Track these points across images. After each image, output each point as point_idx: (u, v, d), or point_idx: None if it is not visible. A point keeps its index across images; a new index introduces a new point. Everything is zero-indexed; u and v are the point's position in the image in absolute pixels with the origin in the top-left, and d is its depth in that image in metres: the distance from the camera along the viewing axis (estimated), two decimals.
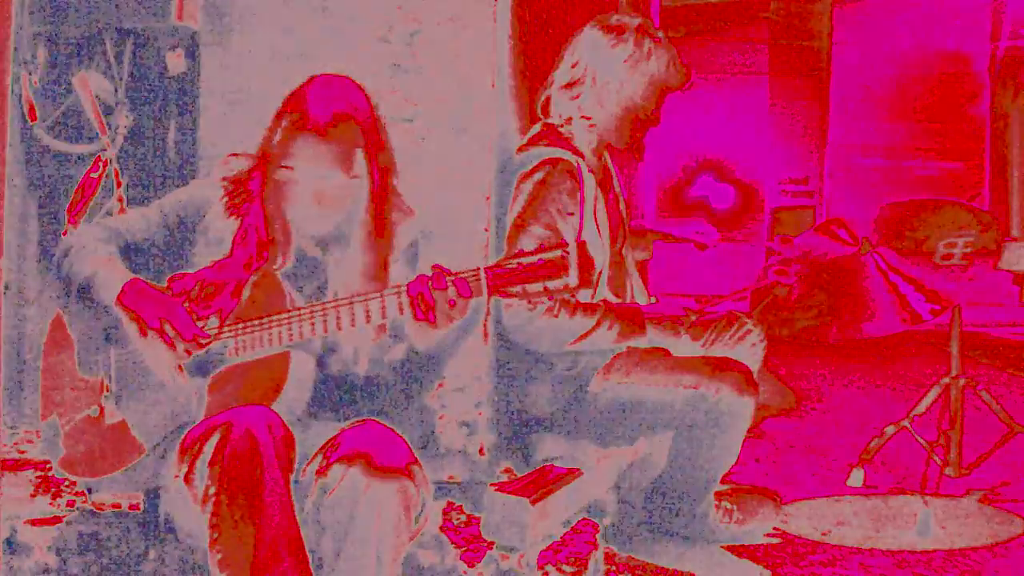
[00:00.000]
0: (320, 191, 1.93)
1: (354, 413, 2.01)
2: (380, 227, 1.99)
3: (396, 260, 2.03)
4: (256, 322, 1.91)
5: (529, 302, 1.80)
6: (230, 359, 1.92)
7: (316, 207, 1.95)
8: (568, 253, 1.75)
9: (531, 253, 1.78)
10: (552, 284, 1.76)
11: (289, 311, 1.89)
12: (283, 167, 1.94)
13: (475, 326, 1.96)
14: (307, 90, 1.95)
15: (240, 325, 1.92)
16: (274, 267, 1.98)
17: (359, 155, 1.95)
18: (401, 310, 1.83)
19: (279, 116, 1.95)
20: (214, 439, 1.76)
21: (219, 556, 1.72)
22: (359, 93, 2.00)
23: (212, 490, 1.74)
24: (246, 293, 1.95)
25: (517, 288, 1.77)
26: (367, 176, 1.96)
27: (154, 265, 2.07)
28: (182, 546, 2.06)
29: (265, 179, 1.98)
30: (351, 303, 1.86)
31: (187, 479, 1.79)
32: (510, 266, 1.78)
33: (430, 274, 1.82)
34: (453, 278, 1.80)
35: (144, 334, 1.92)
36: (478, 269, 1.80)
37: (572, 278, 1.75)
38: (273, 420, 1.79)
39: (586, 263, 1.76)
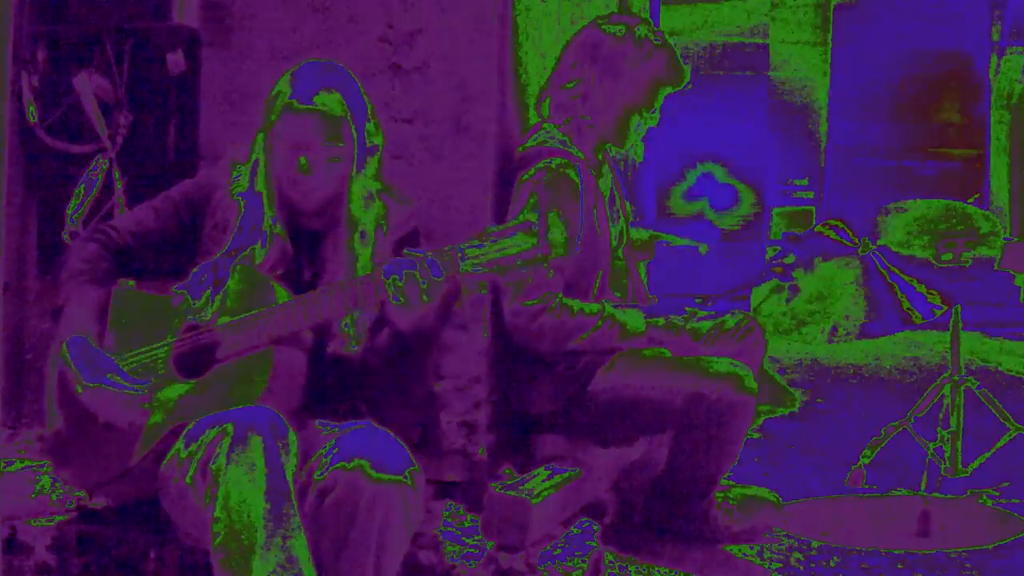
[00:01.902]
0: (306, 161, 1.97)
1: (349, 410, 2.01)
2: (362, 202, 2.01)
3: (390, 248, 2.05)
4: (241, 319, 1.91)
5: (503, 276, 1.80)
6: (219, 357, 1.92)
7: (303, 179, 1.98)
8: (538, 225, 1.77)
9: (502, 227, 1.79)
10: (524, 256, 1.77)
11: (273, 305, 1.90)
12: (272, 143, 1.99)
13: (455, 310, 1.96)
14: (295, 70, 2.01)
15: (227, 323, 1.92)
16: (266, 250, 2.00)
17: (344, 125, 1.98)
18: (377, 295, 1.84)
19: (270, 98, 2.01)
20: (217, 440, 1.76)
21: (222, 557, 1.71)
22: (346, 74, 2.05)
23: (216, 491, 1.74)
24: (231, 289, 1.95)
25: (489, 262, 1.78)
26: (354, 146, 1.99)
27: (167, 255, 2.09)
28: (182, 546, 2.06)
29: (263, 160, 2.03)
30: (333, 292, 1.87)
31: (191, 480, 1.79)
32: (482, 241, 1.79)
33: (403, 258, 1.84)
34: (425, 258, 1.82)
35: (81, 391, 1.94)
36: (451, 247, 1.81)
37: (543, 247, 1.76)
38: (276, 420, 1.79)
39: (558, 235, 1.77)
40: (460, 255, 1.80)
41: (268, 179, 2.02)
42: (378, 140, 2.06)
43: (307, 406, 1.97)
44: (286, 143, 1.98)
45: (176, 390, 1.94)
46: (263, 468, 1.73)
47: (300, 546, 1.73)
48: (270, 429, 1.77)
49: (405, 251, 1.85)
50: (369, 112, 2.04)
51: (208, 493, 1.75)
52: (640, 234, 3.00)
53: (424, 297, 1.83)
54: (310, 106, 1.95)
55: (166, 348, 1.98)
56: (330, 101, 1.96)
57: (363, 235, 2.01)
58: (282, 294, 1.93)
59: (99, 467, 1.98)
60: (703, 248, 2.95)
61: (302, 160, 1.97)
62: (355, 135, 1.99)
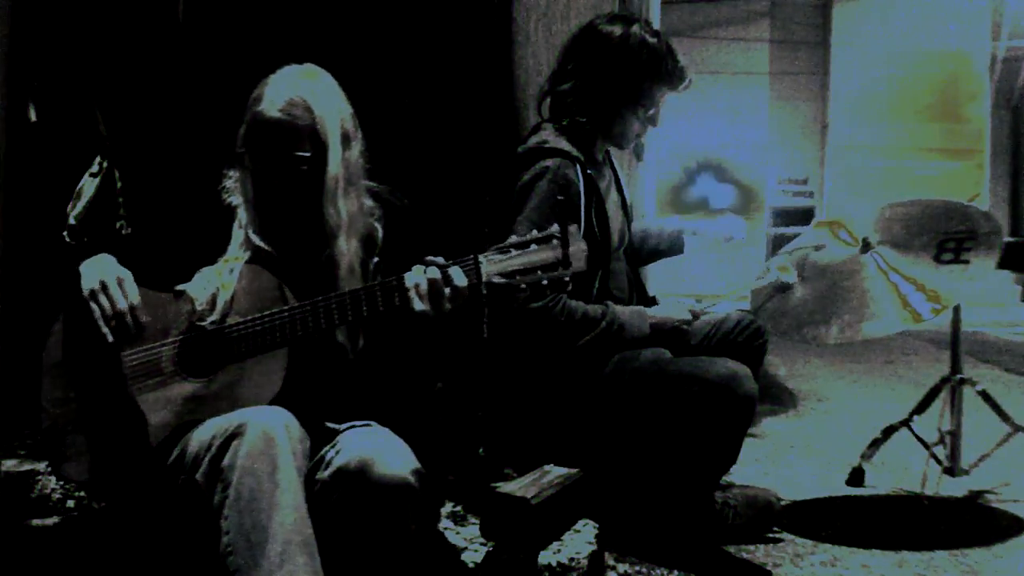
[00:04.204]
0: (275, 169, 1.97)
1: (352, 410, 2.01)
2: (338, 206, 2.01)
3: (386, 249, 2.05)
4: (254, 320, 1.91)
5: (524, 288, 1.81)
6: (230, 357, 1.92)
7: (275, 186, 1.99)
8: (560, 238, 1.77)
9: (524, 239, 1.79)
10: (545, 269, 1.77)
11: (287, 308, 1.90)
12: (245, 150, 2.00)
13: (468, 315, 1.96)
14: (270, 77, 2.02)
15: (239, 323, 1.92)
16: (248, 255, 2.00)
17: (313, 132, 1.97)
18: (398, 301, 1.84)
19: (247, 105, 2.01)
20: (231, 438, 1.76)
21: (231, 555, 1.71)
22: (322, 78, 2.04)
23: (227, 489, 1.74)
24: (239, 289, 1.96)
25: (511, 273, 1.78)
26: (326, 152, 1.98)
27: (170, 262, 2.09)
28: (185, 545, 2.06)
29: (242, 166, 2.04)
30: (349, 297, 1.87)
31: (201, 478, 1.79)
32: (504, 253, 1.79)
33: (425, 266, 1.83)
34: (449, 266, 1.82)
35: (87, 294, 1.95)
36: (473, 257, 1.81)
37: (564, 262, 1.76)
38: (291, 421, 1.80)
39: (579, 249, 1.77)
40: (482, 265, 1.81)
41: (245, 185, 2.03)
42: (357, 143, 2.06)
43: (313, 407, 1.97)
44: (256, 151, 1.99)
45: (183, 389, 1.94)
46: (276, 468, 1.73)
47: (309, 546, 1.73)
48: (284, 429, 1.77)
49: (427, 259, 1.85)
50: (346, 116, 2.04)
51: (219, 491, 1.75)
52: (658, 238, 2.97)
53: (447, 305, 1.84)
54: (276, 116, 1.95)
55: (172, 346, 1.98)
56: (297, 110, 1.96)
57: (349, 238, 2.01)
58: (291, 296, 1.94)
59: (100, 461, 1.97)
60: (728, 240, 2.93)
61: (270, 168, 1.98)
62: (327, 141, 1.98)
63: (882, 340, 7.73)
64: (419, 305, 1.84)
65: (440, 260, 1.84)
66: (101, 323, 1.93)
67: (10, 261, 2.69)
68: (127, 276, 1.96)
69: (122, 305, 1.94)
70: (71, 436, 1.99)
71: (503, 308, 2.53)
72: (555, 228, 1.80)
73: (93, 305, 1.94)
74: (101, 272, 1.96)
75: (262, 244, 2.02)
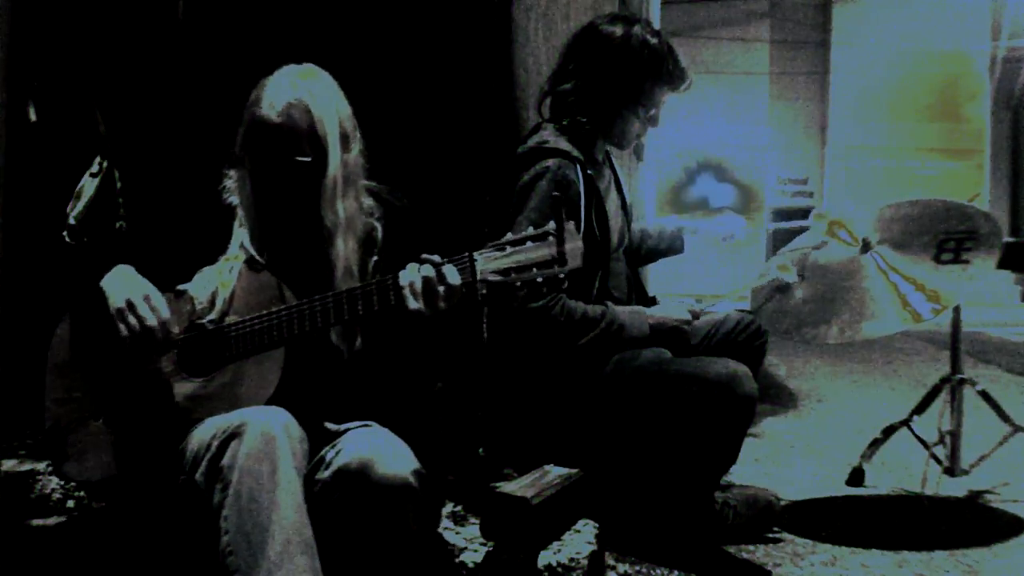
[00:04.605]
0: (274, 172, 1.97)
1: (353, 410, 2.02)
2: (335, 208, 2.00)
3: (386, 249, 2.05)
4: (252, 319, 1.91)
5: (519, 285, 1.80)
6: (229, 357, 1.92)
7: (273, 188, 1.99)
8: (555, 235, 1.76)
9: (519, 236, 1.79)
10: (541, 266, 1.77)
11: (283, 307, 1.90)
12: (244, 153, 1.99)
13: (466, 314, 1.96)
14: (268, 78, 2.01)
15: (237, 322, 1.92)
16: (245, 256, 2.00)
17: (312, 135, 1.96)
18: (393, 300, 1.84)
19: (246, 106, 2.00)
20: (231, 438, 1.76)
21: (230, 556, 1.72)
22: (321, 79, 2.03)
23: (227, 489, 1.74)
24: (238, 288, 1.96)
25: (506, 271, 1.78)
26: (325, 154, 1.98)
27: (171, 261, 2.09)
28: (182, 546, 2.06)
29: (242, 168, 2.04)
30: (346, 296, 1.86)
31: (201, 477, 1.79)
32: (499, 250, 1.79)
33: (420, 264, 1.83)
34: (443, 264, 1.82)
35: (114, 312, 1.93)
36: (468, 254, 1.81)
37: (560, 259, 1.76)
38: (290, 421, 1.80)
39: (575, 246, 1.77)
40: (477, 262, 1.80)
41: (244, 187, 2.03)
42: (356, 143, 2.05)
43: (311, 407, 1.97)
44: (255, 154, 1.98)
45: (182, 388, 1.94)
46: (276, 468, 1.73)
47: (309, 546, 1.73)
48: (284, 429, 1.77)
49: (422, 256, 1.84)
50: (345, 116, 2.03)
51: (218, 491, 1.75)
52: (658, 238, 2.97)
53: (442, 304, 1.83)
54: (275, 119, 1.94)
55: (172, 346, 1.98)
56: (296, 112, 1.95)
57: (346, 239, 2.00)
58: (290, 295, 1.94)
59: (100, 460, 1.98)
60: (727, 238, 2.93)
61: (270, 171, 1.97)
62: (326, 143, 1.98)
63: (882, 340, 7.73)
64: (414, 303, 1.83)
65: (435, 258, 1.84)
66: (131, 343, 1.93)
67: (10, 261, 2.69)
68: (154, 292, 1.94)
69: (152, 323, 1.93)
70: (73, 435, 2.00)
71: (501, 307, 2.53)
72: (551, 225, 1.79)
73: (121, 324, 1.93)
74: (128, 290, 1.94)
75: (254, 253, 2.01)
